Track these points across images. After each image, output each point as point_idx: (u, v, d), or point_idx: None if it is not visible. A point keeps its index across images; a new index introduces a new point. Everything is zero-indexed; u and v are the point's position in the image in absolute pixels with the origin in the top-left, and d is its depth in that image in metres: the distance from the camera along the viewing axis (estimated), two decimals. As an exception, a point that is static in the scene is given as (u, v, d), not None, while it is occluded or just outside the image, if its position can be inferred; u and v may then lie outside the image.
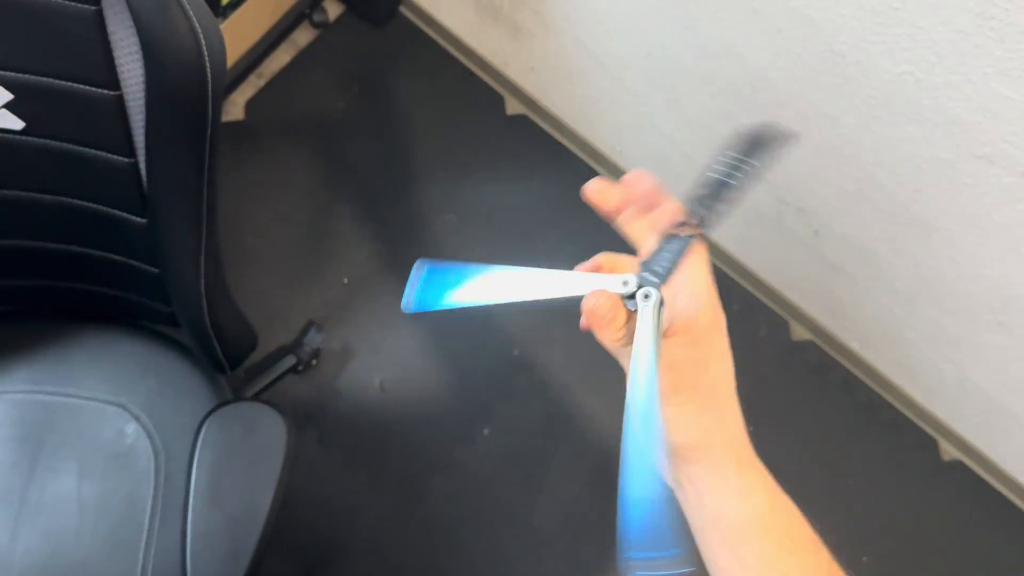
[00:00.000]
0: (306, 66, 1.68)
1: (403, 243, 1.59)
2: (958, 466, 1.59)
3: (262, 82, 1.65)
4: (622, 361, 0.46)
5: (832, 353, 1.62)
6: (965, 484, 1.59)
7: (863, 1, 0.93)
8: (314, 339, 1.42)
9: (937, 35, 0.90)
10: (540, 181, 1.67)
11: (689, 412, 0.46)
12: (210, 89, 0.67)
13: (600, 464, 1.51)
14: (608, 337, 0.45)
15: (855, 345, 1.57)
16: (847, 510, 1.51)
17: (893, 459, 1.59)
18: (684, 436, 0.46)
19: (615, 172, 1.65)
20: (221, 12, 1.45)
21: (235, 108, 1.63)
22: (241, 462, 0.81)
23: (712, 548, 0.48)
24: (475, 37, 1.64)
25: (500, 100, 1.70)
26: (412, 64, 1.71)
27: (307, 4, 1.65)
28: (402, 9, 1.72)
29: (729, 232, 1.56)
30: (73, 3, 0.65)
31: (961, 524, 1.56)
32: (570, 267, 0.48)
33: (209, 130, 0.70)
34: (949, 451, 1.60)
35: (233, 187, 1.59)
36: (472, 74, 1.71)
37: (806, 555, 0.46)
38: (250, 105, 1.64)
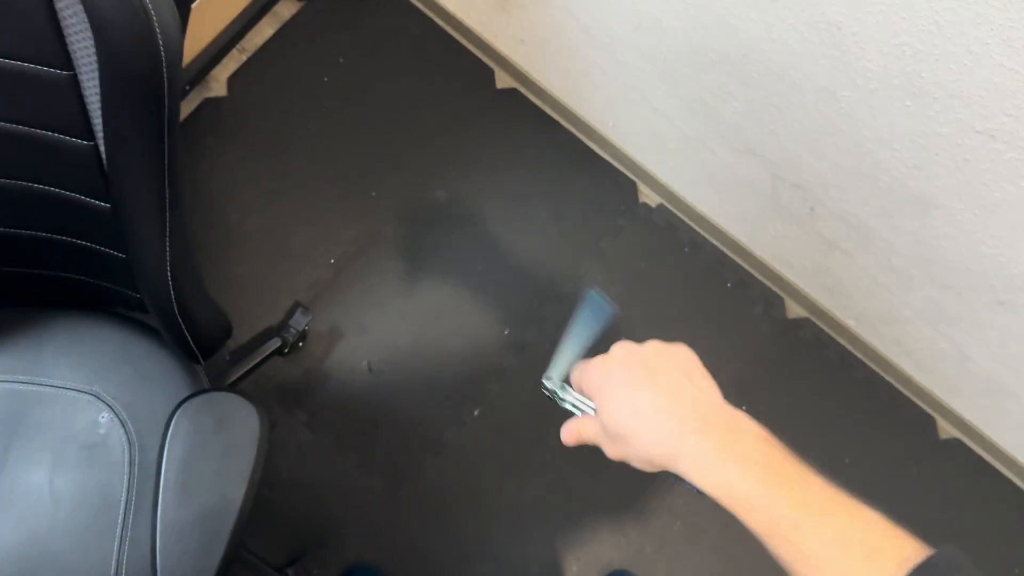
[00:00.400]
0: (290, 39, 1.63)
1: (391, 221, 1.56)
2: (956, 444, 1.57)
3: (244, 57, 1.61)
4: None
5: (828, 330, 1.59)
6: (963, 462, 1.57)
7: (860, -31, 0.89)
8: (300, 321, 1.39)
9: (937, 4, 0.85)
10: (531, 156, 1.63)
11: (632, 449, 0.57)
12: (164, 67, 0.63)
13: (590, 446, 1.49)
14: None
15: (852, 323, 1.54)
16: (843, 488, 1.49)
17: (890, 437, 1.57)
18: (645, 464, 0.57)
19: (606, 147, 1.61)
20: (199, -16, 1.41)
21: (217, 84, 1.59)
22: (212, 455, 0.78)
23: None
24: (463, 8, 1.59)
25: (490, 74, 1.66)
26: (398, 36, 1.66)
27: (290, -25, 1.60)
28: (388, -21, 1.67)
29: (724, 209, 1.53)
30: (16, -22, 0.61)
31: (959, 502, 1.54)
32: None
33: (167, 110, 0.67)
34: (947, 429, 1.58)
35: (217, 165, 1.55)
36: (461, 47, 1.66)
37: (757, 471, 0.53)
38: (232, 80, 1.60)
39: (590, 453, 1.47)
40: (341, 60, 1.63)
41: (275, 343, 1.33)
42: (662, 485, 1.46)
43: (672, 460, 0.54)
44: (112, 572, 0.88)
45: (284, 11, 1.63)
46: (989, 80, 0.89)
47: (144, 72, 0.63)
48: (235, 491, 0.77)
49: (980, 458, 1.56)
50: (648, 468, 0.56)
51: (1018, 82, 0.87)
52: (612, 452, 0.59)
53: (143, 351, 0.98)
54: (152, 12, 0.61)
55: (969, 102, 0.93)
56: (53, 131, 0.74)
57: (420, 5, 1.66)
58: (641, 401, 0.56)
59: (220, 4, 1.51)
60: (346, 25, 1.65)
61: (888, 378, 1.58)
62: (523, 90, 1.65)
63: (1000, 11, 0.81)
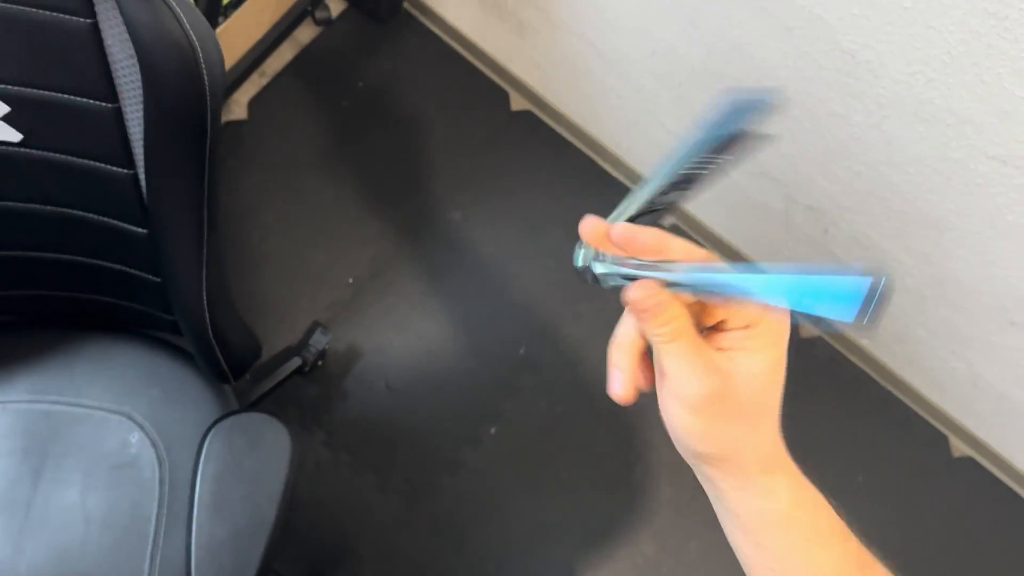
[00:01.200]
0: (309, 64, 1.66)
1: (407, 242, 1.58)
2: (969, 462, 1.58)
3: (265, 80, 1.64)
4: (665, 361, 0.42)
5: (842, 350, 1.61)
6: (976, 480, 1.57)
7: (874, 0, 0.91)
8: (320, 340, 1.41)
9: (950, 35, 0.88)
10: (546, 178, 1.65)
11: (722, 424, 0.43)
12: (208, 102, 0.66)
13: (607, 463, 1.50)
14: (654, 329, 0.41)
15: (865, 342, 1.56)
16: (856, 507, 1.49)
17: (903, 455, 1.58)
18: (711, 447, 0.44)
19: (621, 168, 1.64)
20: (222, 11, 1.44)
21: (238, 107, 1.62)
22: (245, 476, 0.80)
23: (736, 539, 0.47)
24: (479, 33, 1.62)
25: (505, 96, 1.69)
26: (416, 61, 1.69)
27: (309, 1, 1.63)
28: (405, 5, 1.70)
29: (738, 229, 1.55)
30: (68, 16, 0.64)
31: (972, 520, 1.55)
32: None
33: (208, 142, 0.69)
34: (960, 447, 1.59)
35: (237, 187, 1.58)
36: (476, 70, 1.69)
37: (833, 545, 0.45)
38: (253, 104, 1.63)
39: (606, 470, 1.49)
40: (360, 84, 1.66)
41: (296, 362, 1.35)
42: (679, 504, 1.48)
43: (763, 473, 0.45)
44: (143, 590, 0.90)
45: (303, 36, 1.66)
46: (1000, 108, 0.91)
47: (188, 105, 0.66)
48: (268, 512, 0.79)
49: (993, 476, 1.57)
50: (691, 457, 0.45)
51: (1030, 109, 0.89)
52: (686, 423, 0.43)
53: (172, 372, 1.00)
54: (198, 47, 0.63)
55: (981, 128, 0.95)
56: (94, 160, 0.76)
57: (437, 30, 1.69)
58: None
59: (241, 29, 1.54)
60: (364, 50, 1.68)
61: (901, 397, 1.59)
62: (538, 112, 1.67)
63: (1012, 42, 0.83)
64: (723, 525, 0.48)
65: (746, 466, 0.44)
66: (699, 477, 0.47)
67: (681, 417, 0.43)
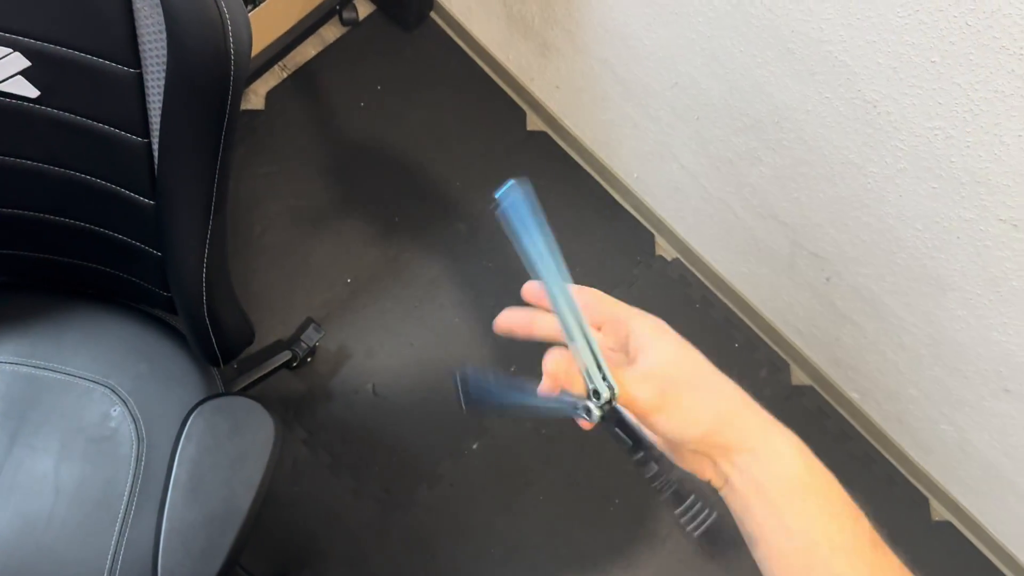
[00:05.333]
0: (331, 62, 1.66)
1: (410, 248, 1.58)
2: (947, 527, 1.57)
3: (285, 74, 1.64)
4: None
5: (831, 401, 1.60)
6: (953, 546, 1.56)
7: (901, 52, 0.91)
8: (311, 337, 1.40)
9: (974, 93, 0.88)
10: (554, 200, 1.65)
11: (681, 398, 0.46)
12: (232, 75, 0.65)
13: (587, 492, 1.49)
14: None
15: (855, 395, 1.55)
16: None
17: (882, 514, 1.55)
18: (696, 428, 0.46)
19: (629, 198, 1.64)
20: (251, 0, 1.44)
21: (256, 97, 1.62)
22: (225, 460, 0.79)
23: (760, 523, 0.47)
24: (503, 50, 1.63)
25: (522, 115, 1.69)
26: (437, 70, 1.69)
27: (338, 1, 1.64)
28: (433, 15, 1.71)
29: (739, 269, 1.55)
30: (101, -24, 0.63)
31: (946, 587, 1.54)
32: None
33: (227, 117, 0.69)
34: (940, 511, 1.58)
35: (245, 176, 1.57)
36: (496, 87, 1.70)
37: (846, 520, 0.46)
38: (271, 95, 1.63)
39: (585, 499, 1.47)
40: (379, 87, 1.66)
41: (286, 355, 1.33)
42: (654, 541, 1.46)
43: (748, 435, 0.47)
44: (107, 568, 0.88)
45: (329, 34, 1.67)
46: (1017, 171, 0.91)
47: (212, 80, 0.65)
48: (243, 499, 0.78)
49: (970, 543, 1.56)
50: (687, 436, 0.46)
51: (1046, 176, 0.89)
52: (649, 405, 0.46)
53: (162, 350, 0.98)
54: (229, 24, 0.63)
55: (995, 190, 0.95)
56: (110, 125, 0.75)
57: (461, 43, 1.70)
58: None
59: (268, 20, 1.54)
60: (387, 54, 1.68)
61: (886, 454, 1.59)
62: (553, 134, 1.68)
63: (1035, 106, 0.84)
64: (749, 523, 0.47)
65: (743, 433, 0.46)
66: (725, 495, 0.48)
67: (649, 408, 0.46)
